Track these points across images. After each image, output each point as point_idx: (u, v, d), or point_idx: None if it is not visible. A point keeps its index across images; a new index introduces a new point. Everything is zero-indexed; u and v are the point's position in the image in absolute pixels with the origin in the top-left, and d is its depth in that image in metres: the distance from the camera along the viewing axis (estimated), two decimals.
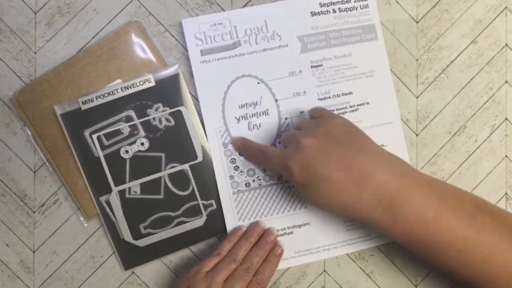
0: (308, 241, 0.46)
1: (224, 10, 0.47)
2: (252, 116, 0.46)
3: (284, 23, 0.47)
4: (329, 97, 0.47)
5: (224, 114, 0.46)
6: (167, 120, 0.45)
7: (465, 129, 0.48)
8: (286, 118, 0.46)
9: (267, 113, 0.46)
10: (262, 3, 0.47)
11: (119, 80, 0.45)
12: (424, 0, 0.48)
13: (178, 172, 0.45)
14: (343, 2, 0.47)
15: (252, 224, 0.45)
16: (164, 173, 0.45)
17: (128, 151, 0.45)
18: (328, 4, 0.47)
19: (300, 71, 0.47)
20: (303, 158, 0.37)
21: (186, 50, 0.46)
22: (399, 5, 0.48)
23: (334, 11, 0.47)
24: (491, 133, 0.48)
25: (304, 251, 0.46)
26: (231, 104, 0.46)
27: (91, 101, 0.44)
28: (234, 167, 0.46)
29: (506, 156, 0.48)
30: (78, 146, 0.45)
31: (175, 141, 0.45)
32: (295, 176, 0.37)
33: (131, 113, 0.45)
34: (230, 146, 0.46)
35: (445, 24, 0.48)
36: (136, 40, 0.46)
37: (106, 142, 0.45)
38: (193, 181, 0.45)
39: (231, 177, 0.46)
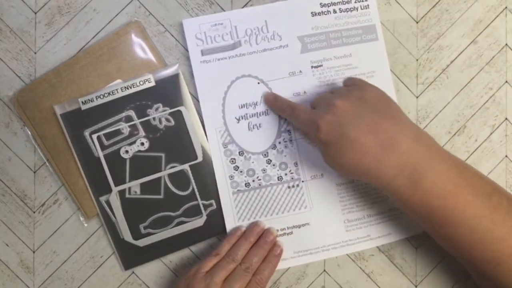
0: (308, 242, 0.46)
1: (224, 10, 0.47)
2: (252, 116, 0.46)
3: (285, 23, 0.47)
4: None
5: (224, 114, 0.46)
6: (167, 120, 0.45)
7: (465, 129, 0.48)
8: (286, 118, 0.46)
9: (267, 113, 0.46)
10: (262, 3, 0.47)
11: (119, 80, 0.45)
12: (424, 0, 0.48)
13: (178, 172, 0.45)
14: (344, 3, 0.47)
15: (252, 224, 0.45)
16: (164, 173, 0.45)
17: (128, 151, 0.45)
18: (329, 5, 0.47)
19: (301, 71, 0.46)
20: (333, 118, 0.37)
21: (186, 50, 0.46)
22: (399, 5, 0.48)
23: (334, 11, 0.47)
24: (491, 133, 0.48)
25: (303, 251, 0.46)
26: (231, 104, 0.46)
27: (91, 101, 0.44)
28: (234, 167, 0.46)
29: (506, 156, 0.48)
30: (78, 146, 0.45)
31: (175, 141, 0.45)
32: (321, 134, 0.37)
33: (131, 113, 0.45)
34: (230, 146, 0.46)
35: (445, 24, 0.48)
36: (136, 40, 0.46)
37: (106, 142, 0.45)
38: (193, 181, 0.45)
39: (231, 177, 0.46)
